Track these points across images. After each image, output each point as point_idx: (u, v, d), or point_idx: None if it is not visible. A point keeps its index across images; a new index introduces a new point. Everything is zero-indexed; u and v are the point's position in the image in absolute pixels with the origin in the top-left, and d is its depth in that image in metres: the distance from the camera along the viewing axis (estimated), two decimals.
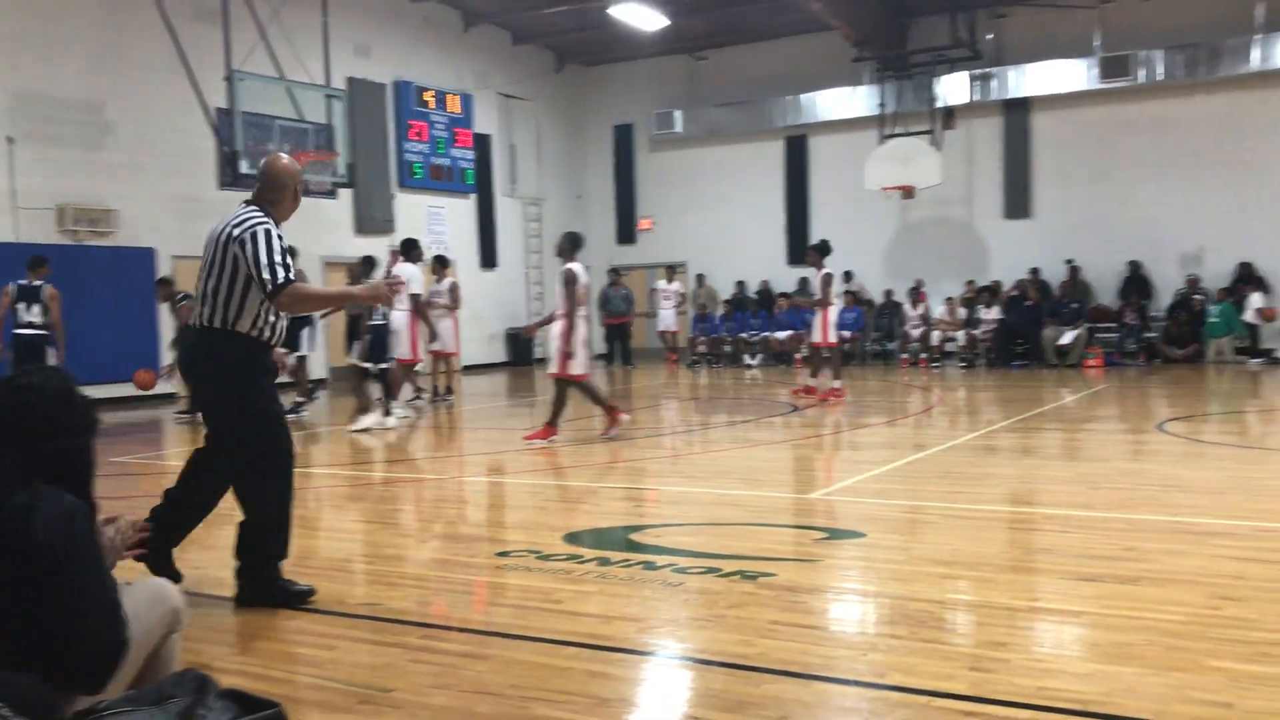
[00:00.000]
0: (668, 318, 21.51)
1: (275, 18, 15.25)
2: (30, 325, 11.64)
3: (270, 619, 4.55)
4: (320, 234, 18.54)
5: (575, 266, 9.89)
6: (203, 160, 16.33)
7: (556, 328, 9.87)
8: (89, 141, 15.17)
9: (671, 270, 22.31)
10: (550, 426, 9.99)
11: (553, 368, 10.04)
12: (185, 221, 16.30)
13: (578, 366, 9.89)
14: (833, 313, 13.57)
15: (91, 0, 15.20)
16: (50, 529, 2.29)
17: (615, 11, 19.23)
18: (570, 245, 10.04)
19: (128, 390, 15.37)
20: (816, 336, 13.63)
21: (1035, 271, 19.63)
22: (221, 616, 4.60)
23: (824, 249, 13.46)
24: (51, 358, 11.43)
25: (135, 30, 15.37)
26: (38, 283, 11.77)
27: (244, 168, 14.43)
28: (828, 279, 13.31)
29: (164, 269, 16.00)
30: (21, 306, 11.65)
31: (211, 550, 6.00)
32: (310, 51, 15.76)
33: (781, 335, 20.77)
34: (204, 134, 15.39)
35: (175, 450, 11.06)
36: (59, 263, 14.43)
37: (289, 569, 4.86)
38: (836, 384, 13.50)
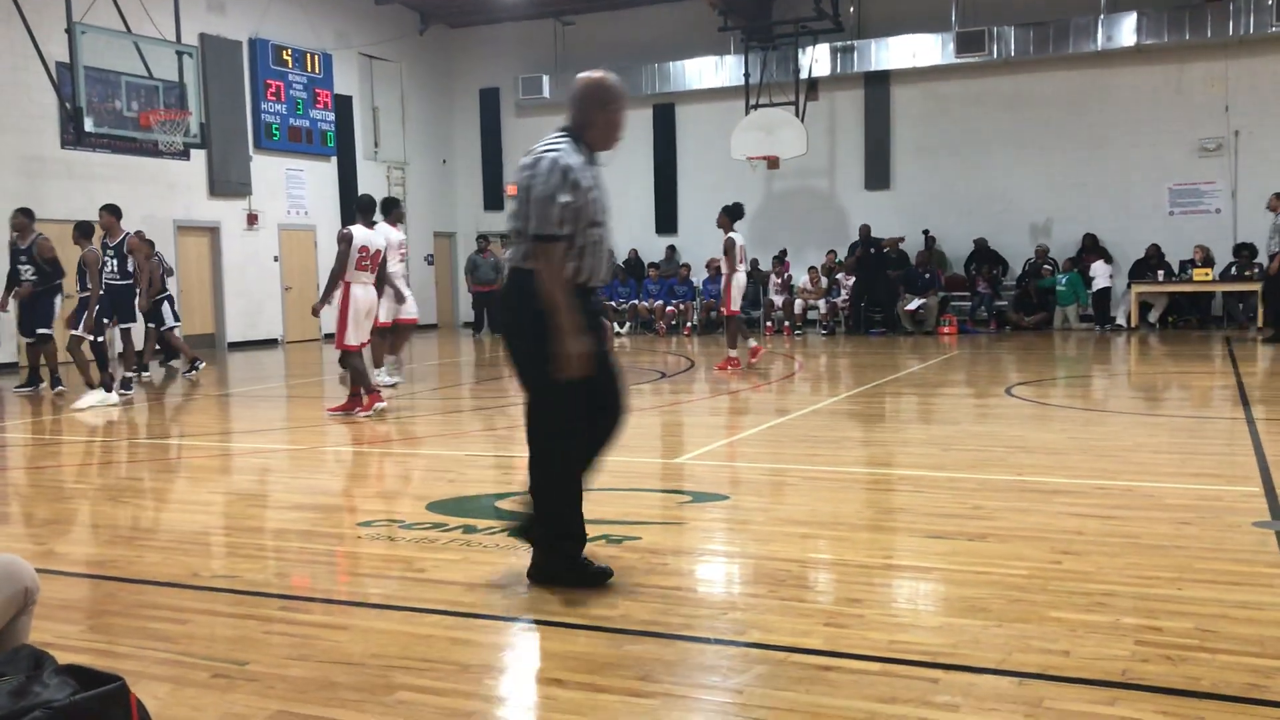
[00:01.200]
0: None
1: None
2: None
3: (120, 593, 4.39)
4: (173, 197, 17.84)
5: (357, 230, 9.51)
6: (43, 118, 15.50)
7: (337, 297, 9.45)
8: None
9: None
10: (368, 395, 9.66)
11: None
12: (28, 181, 15.47)
13: (352, 337, 9.49)
14: (737, 279, 13.07)
15: None
16: None
17: None
18: (364, 210, 9.78)
19: None
20: (729, 304, 13.13)
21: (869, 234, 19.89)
22: (70, 593, 4.42)
23: (735, 212, 13.01)
24: None
25: None
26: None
27: (89, 126, 13.76)
28: (730, 244, 12.90)
29: (1, 231, 15.14)
30: None
31: (55, 525, 5.76)
32: (160, 6, 15.07)
33: (650, 304, 20.90)
34: (44, 89, 14.60)
35: (18, 422, 10.54)
36: None
37: (127, 538, 4.69)
38: (732, 353, 13.15)
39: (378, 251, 9.61)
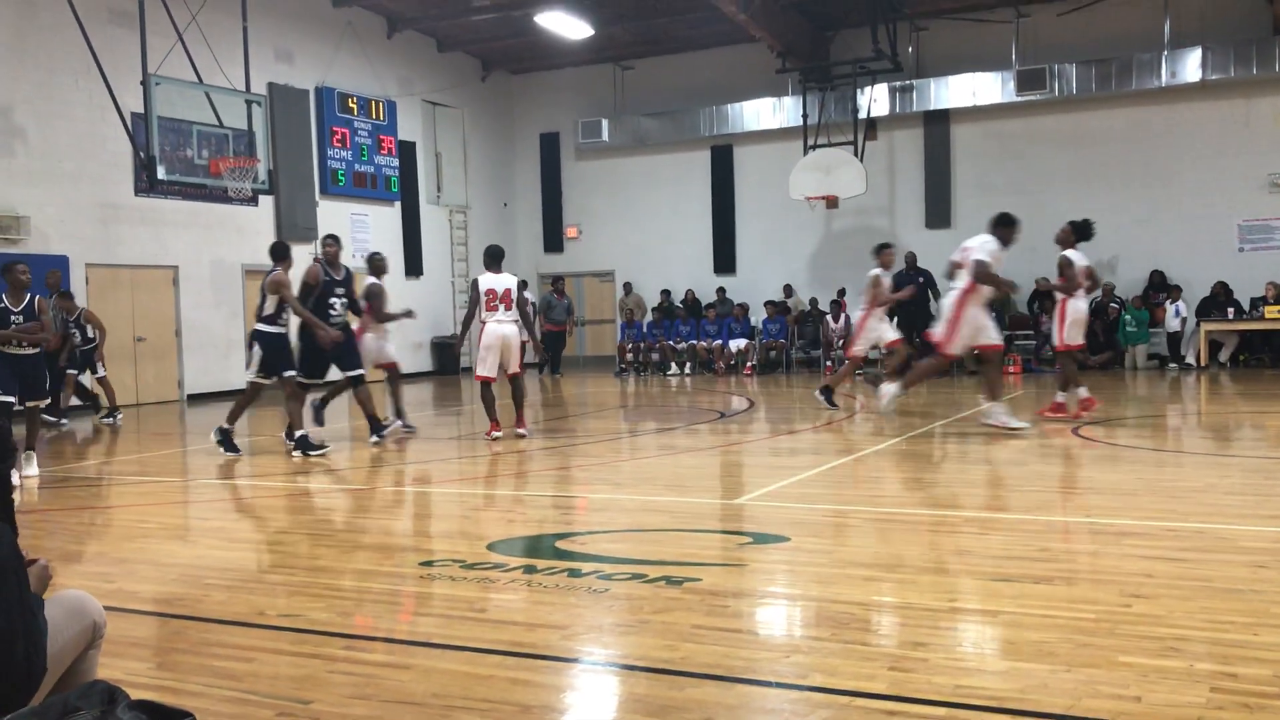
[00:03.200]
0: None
1: (193, 21, 14.96)
2: None
3: (188, 631, 4.46)
4: (242, 241, 18.23)
5: (482, 276, 10.83)
6: (119, 166, 15.97)
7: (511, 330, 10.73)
8: None
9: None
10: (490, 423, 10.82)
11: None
12: (102, 228, 15.93)
13: (479, 369, 10.84)
14: (1074, 306, 11.27)
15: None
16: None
17: (542, 20, 19.21)
18: (492, 257, 10.95)
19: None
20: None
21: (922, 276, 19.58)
22: (138, 630, 4.49)
23: (1082, 230, 11.58)
24: None
25: (45, 31, 14.98)
26: None
27: (161, 174, 14.15)
28: (1066, 262, 11.38)
29: (78, 277, 15.60)
30: None
31: (125, 564, 5.86)
32: (230, 56, 15.49)
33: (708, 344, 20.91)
34: (120, 139, 15.04)
35: (91, 463, 10.79)
36: None
37: (194, 576, 4.75)
38: (1060, 397, 11.46)
39: (506, 291, 10.73)
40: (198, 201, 16.80)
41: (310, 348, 10.50)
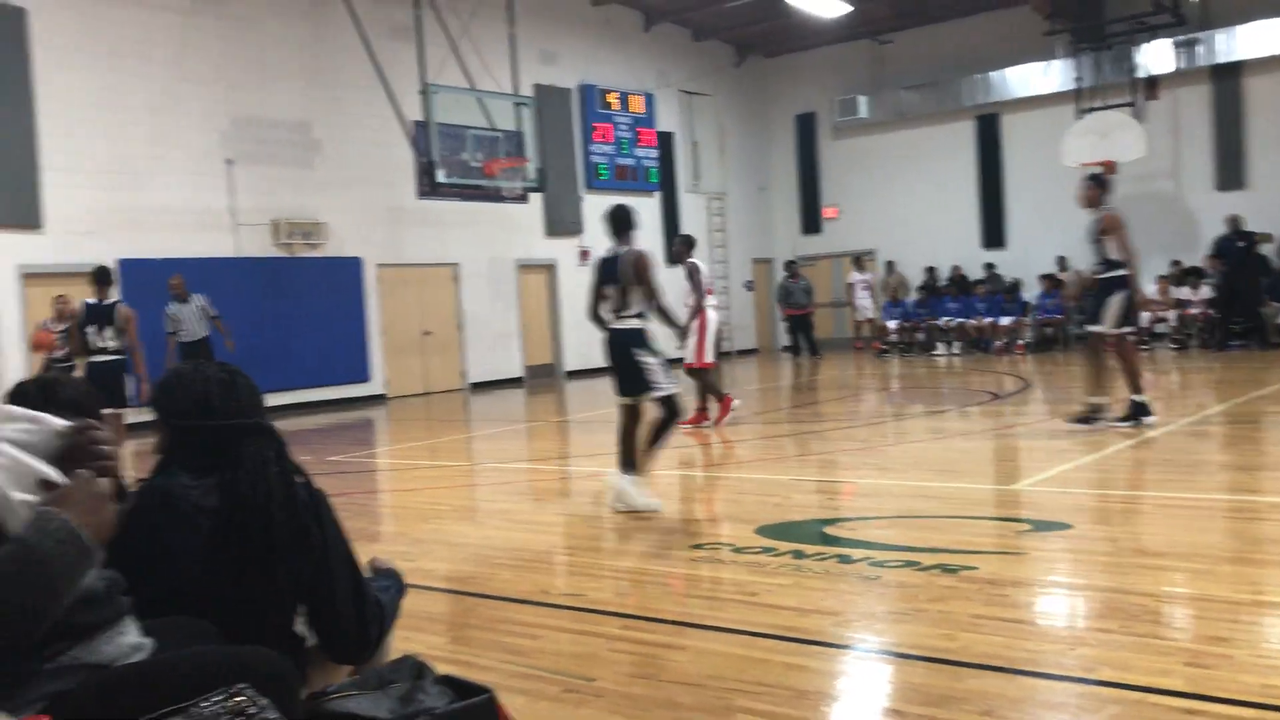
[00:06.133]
0: (866, 307, 21.42)
1: (465, 31, 15.79)
2: (104, 351, 9.49)
3: (479, 609, 4.75)
4: (514, 238, 19.13)
5: (700, 262, 10.84)
6: (402, 171, 17.07)
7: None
8: (299, 159, 16.09)
9: (859, 259, 22.11)
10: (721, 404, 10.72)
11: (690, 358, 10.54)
12: (389, 231, 17.13)
13: (709, 355, 10.60)
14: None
15: (298, 26, 16.11)
16: (323, 513, 2.44)
17: (795, 1, 19.06)
18: (691, 246, 11.01)
19: (341, 392, 16.31)
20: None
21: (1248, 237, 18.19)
22: (436, 607, 4.83)
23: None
24: (130, 386, 9.49)
25: (337, 51, 16.22)
26: (109, 301, 9.69)
27: (440, 177, 15.01)
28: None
29: (370, 277, 16.84)
30: (92, 330, 9.50)
31: (421, 543, 6.30)
32: (498, 61, 16.26)
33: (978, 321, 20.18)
34: (402, 146, 16.08)
35: (387, 449, 11.64)
36: (275, 274, 15.46)
37: (484, 556, 5.03)
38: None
39: (708, 279, 10.85)
40: (474, 202, 17.73)
41: None
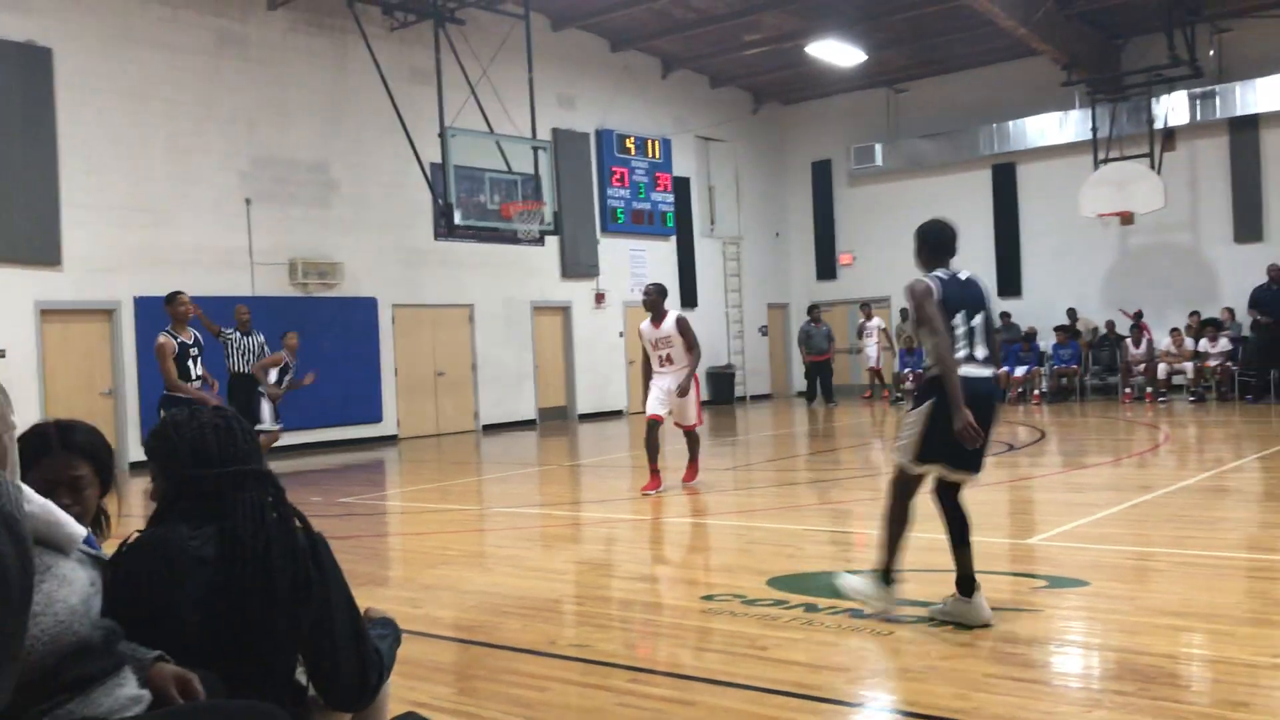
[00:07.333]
0: (873, 354, 21.29)
1: (484, 75, 15.93)
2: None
3: (485, 659, 4.69)
4: (530, 280, 19.18)
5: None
6: (419, 213, 17.16)
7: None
8: (316, 199, 16.20)
9: (867, 305, 22.01)
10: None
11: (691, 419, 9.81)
12: (405, 271, 17.19)
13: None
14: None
15: (319, 68, 16.28)
16: (323, 558, 2.40)
17: (813, 50, 19.20)
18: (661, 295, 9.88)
19: (353, 432, 16.31)
20: None
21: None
22: (442, 655, 4.77)
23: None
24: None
25: (356, 93, 16.37)
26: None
27: (458, 219, 15.09)
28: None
29: (385, 317, 16.88)
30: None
31: (429, 589, 6.24)
32: (517, 105, 16.39)
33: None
34: (420, 188, 16.18)
35: (398, 490, 11.60)
36: (291, 313, 15.50)
37: (491, 603, 4.97)
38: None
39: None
40: (490, 244, 17.80)
41: None
